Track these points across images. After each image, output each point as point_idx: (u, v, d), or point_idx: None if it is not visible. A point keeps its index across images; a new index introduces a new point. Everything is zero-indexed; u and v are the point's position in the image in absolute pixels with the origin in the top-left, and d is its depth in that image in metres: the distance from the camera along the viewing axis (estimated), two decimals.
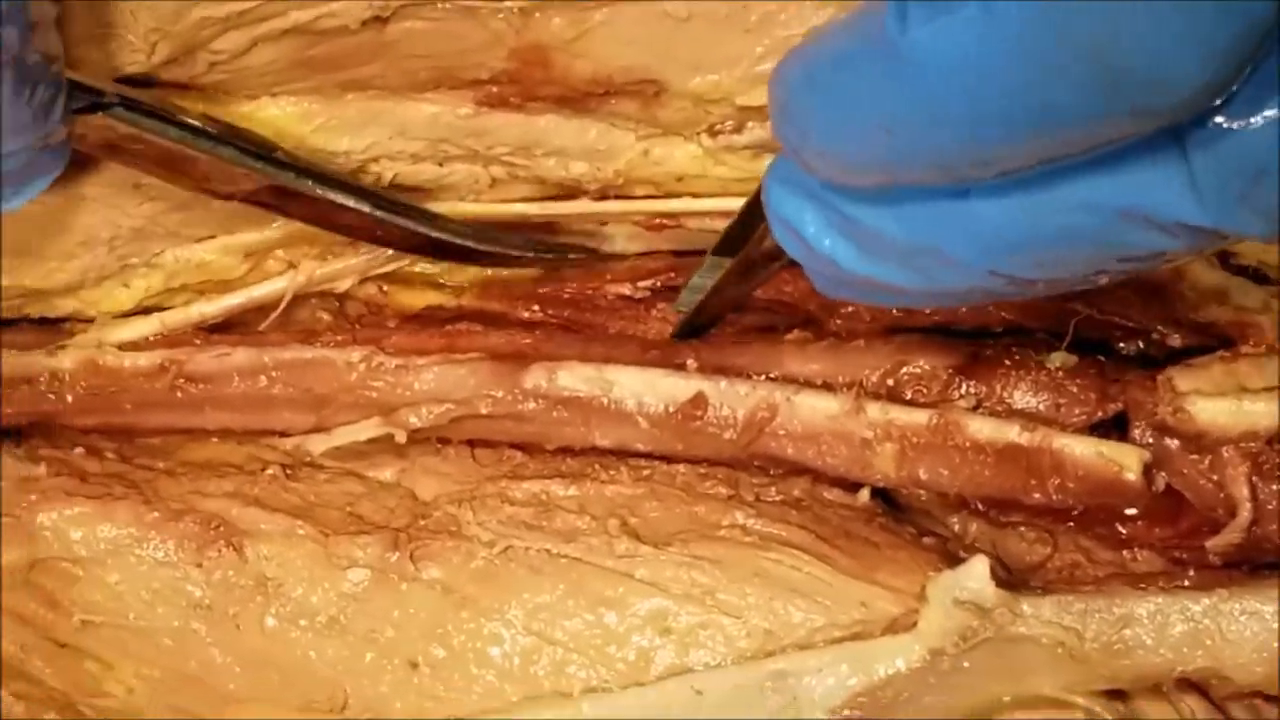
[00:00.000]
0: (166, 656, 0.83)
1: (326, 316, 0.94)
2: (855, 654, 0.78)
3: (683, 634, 0.80)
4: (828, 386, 0.86)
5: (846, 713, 0.78)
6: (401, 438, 0.86)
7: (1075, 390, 0.83)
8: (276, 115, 0.83)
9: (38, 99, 0.68)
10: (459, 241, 0.86)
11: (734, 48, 0.80)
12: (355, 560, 0.82)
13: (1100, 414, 0.83)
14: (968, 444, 0.82)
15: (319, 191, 0.82)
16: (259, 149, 0.81)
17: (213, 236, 0.89)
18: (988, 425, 0.82)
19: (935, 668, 0.78)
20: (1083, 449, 0.81)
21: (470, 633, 0.81)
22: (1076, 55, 0.48)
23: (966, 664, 0.78)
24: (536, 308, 0.92)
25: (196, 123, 0.79)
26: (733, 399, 0.84)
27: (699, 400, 0.84)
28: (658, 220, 0.88)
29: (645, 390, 0.85)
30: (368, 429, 0.87)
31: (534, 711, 0.80)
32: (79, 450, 0.89)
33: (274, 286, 0.91)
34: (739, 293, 0.85)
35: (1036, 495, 0.82)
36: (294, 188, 0.81)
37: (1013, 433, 0.81)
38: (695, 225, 0.88)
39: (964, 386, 0.84)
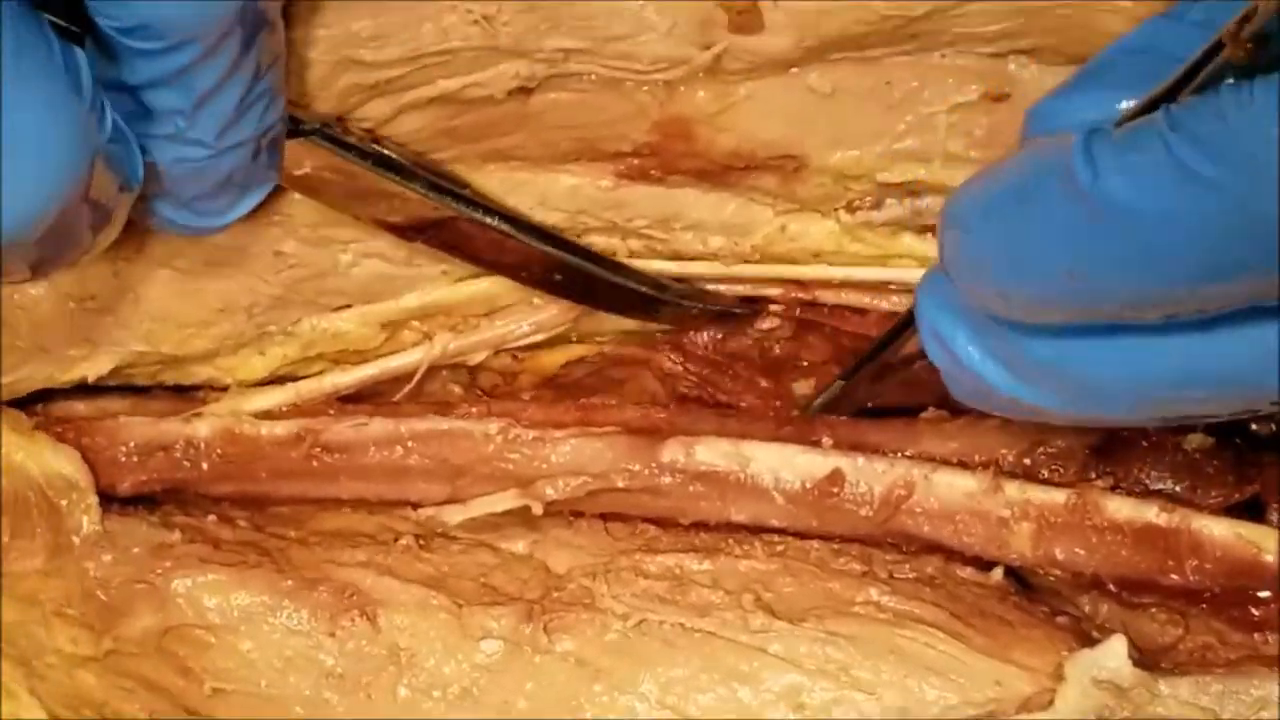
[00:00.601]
0: None
1: (458, 389, 0.94)
2: None
3: (817, 710, 0.80)
4: (964, 465, 0.86)
5: None
6: (538, 509, 0.86)
7: (1212, 472, 0.84)
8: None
9: (264, 89, 0.70)
10: (644, 290, 0.86)
11: (875, 124, 0.81)
12: (489, 631, 0.83)
13: (1237, 496, 0.84)
14: (1105, 524, 0.82)
15: (506, 229, 0.82)
16: (450, 184, 0.81)
17: (350, 306, 0.89)
18: (1126, 505, 0.82)
19: None
20: (1221, 530, 0.81)
21: (604, 706, 0.81)
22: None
23: None
24: (677, 356, 0.92)
25: (391, 153, 0.80)
26: (870, 476, 0.85)
27: (836, 476, 0.84)
28: (794, 299, 0.89)
29: (782, 466, 0.85)
30: (504, 501, 0.86)
31: None
32: (212, 518, 0.89)
33: (409, 358, 0.91)
34: (872, 391, 0.86)
35: (1174, 576, 0.82)
36: (481, 224, 0.82)
37: (1151, 513, 0.82)
38: (830, 299, 0.89)
39: (1100, 467, 0.85)
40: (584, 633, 0.82)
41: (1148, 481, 0.85)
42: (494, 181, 0.84)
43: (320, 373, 0.92)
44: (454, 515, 0.88)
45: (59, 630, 0.86)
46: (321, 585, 0.84)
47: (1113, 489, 0.84)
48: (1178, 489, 0.84)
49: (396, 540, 0.88)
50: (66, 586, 0.86)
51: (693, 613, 0.83)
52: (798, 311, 0.89)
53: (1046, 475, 0.85)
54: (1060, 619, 0.84)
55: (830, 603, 0.83)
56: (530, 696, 0.82)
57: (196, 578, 0.84)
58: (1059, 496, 0.83)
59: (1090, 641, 0.80)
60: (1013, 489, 0.84)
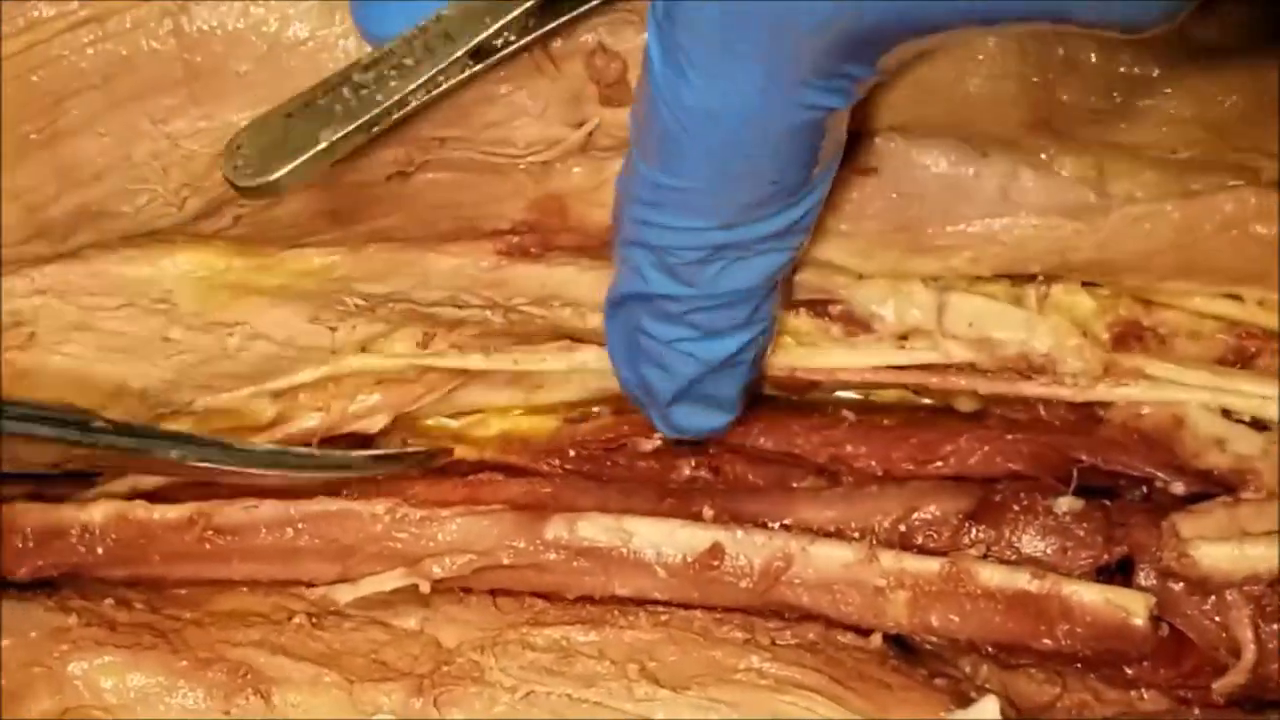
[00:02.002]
0: None
1: None
2: None
3: None
4: (841, 534, 0.88)
5: None
6: (425, 588, 0.87)
7: (1082, 534, 0.86)
8: (301, 267, 0.86)
9: None
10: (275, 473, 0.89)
11: None
12: (380, 707, 0.84)
13: (1106, 557, 0.85)
14: (979, 591, 0.84)
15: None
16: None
17: (242, 386, 0.92)
18: (998, 573, 0.84)
19: None
20: (1091, 596, 0.83)
21: None
22: None
23: None
24: (556, 461, 0.94)
25: None
26: (749, 549, 0.86)
27: (716, 550, 0.86)
28: None
29: (663, 540, 0.87)
30: (393, 579, 0.88)
31: None
32: (109, 601, 0.89)
33: (305, 424, 0.93)
34: None
35: (1046, 641, 0.84)
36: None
37: (1023, 580, 0.84)
38: None
39: (974, 531, 0.87)
40: (473, 705, 0.84)
41: (1019, 545, 0.86)
42: (377, 262, 0.86)
43: None
44: (345, 594, 0.89)
45: None
46: (216, 664, 0.85)
47: (985, 555, 0.86)
48: (1049, 551, 0.86)
49: (290, 619, 0.88)
50: None
51: (579, 683, 0.84)
52: None
53: (921, 541, 0.87)
54: (939, 681, 0.86)
55: (713, 670, 0.85)
56: None
57: (93, 660, 0.84)
58: (933, 565, 0.85)
59: (968, 702, 0.82)
60: (888, 559, 0.85)
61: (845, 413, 0.94)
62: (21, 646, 0.86)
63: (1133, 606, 0.83)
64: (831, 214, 0.84)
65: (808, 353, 0.90)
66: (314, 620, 0.88)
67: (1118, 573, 0.86)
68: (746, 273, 0.76)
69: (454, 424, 0.97)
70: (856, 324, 0.89)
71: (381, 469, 0.91)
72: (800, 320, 0.89)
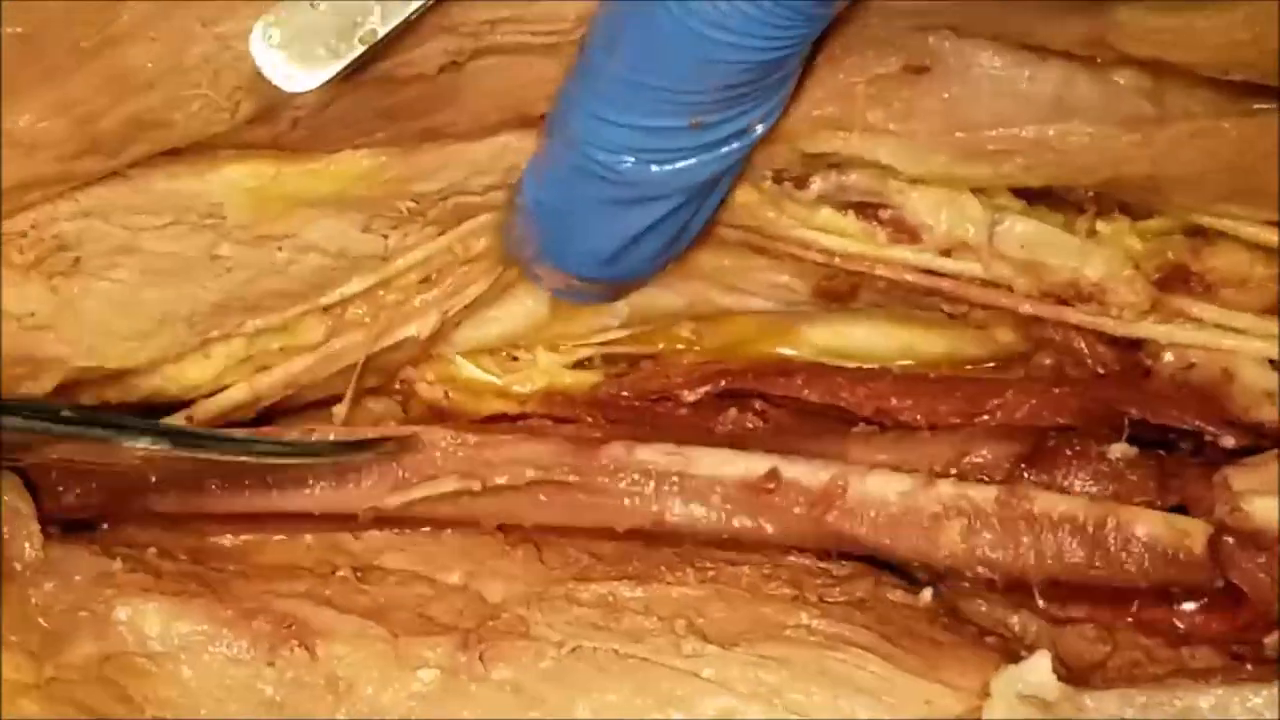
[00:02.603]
0: None
1: (393, 422, 0.96)
2: None
3: None
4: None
5: None
6: (476, 486, 0.87)
7: (1135, 480, 0.86)
8: (352, 170, 0.85)
9: None
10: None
11: (796, 88, 0.82)
12: (425, 660, 0.83)
13: (1159, 503, 0.85)
14: (1035, 518, 0.84)
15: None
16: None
17: (292, 304, 0.91)
18: (1055, 499, 0.84)
19: None
20: (1148, 522, 0.83)
21: None
22: None
23: None
24: (600, 414, 0.95)
25: None
26: (806, 474, 0.86)
27: (772, 474, 0.86)
28: None
29: (720, 464, 0.87)
30: (446, 484, 0.88)
31: None
32: (153, 550, 0.89)
33: (353, 339, 0.92)
34: None
35: (1102, 570, 0.84)
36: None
37: (1080, 505, 0.84)
38: (734, 238, 0.91)
39: (1027, 476, 0.87)
40: (519, 660, 0.83)
41: (1072, 489, 0.86)
42: (427, 159, 0.85)
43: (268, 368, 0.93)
44: (396, 498, 0.89)
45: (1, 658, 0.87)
46: (261, 615, 0.85)
47: (1040, 484, 0.86)
48: (1102, 496, 0.86)
49: (334, 572, 0.89)
50: (8, 613, 0.86)
51: (626, 639, 0.84)
52: None
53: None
54: (988, 639, 0.86)
55: (762, 627, 0.84)
56: None
57: (138, 606, 0.84)
58: (989, 492, 0.85)
59: (1018, 660, 0.81)
60: (945, 486, 0.85)
61: (889, 365, 0.94)
62: (66, 589, 0.86)
63: (1192, 530, 0.83)
64: (883, 111, 0.84)
65: (846, 242, 0.89)
66: (359, 574, 0.89)
67: None
68: (700, 169, 0.80)
69: (496, 378, 0.97)
70: (905, 231, 0.88)
71: (350, 455, 0.89)
72: (848, 221, 0.89)
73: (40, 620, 0.85)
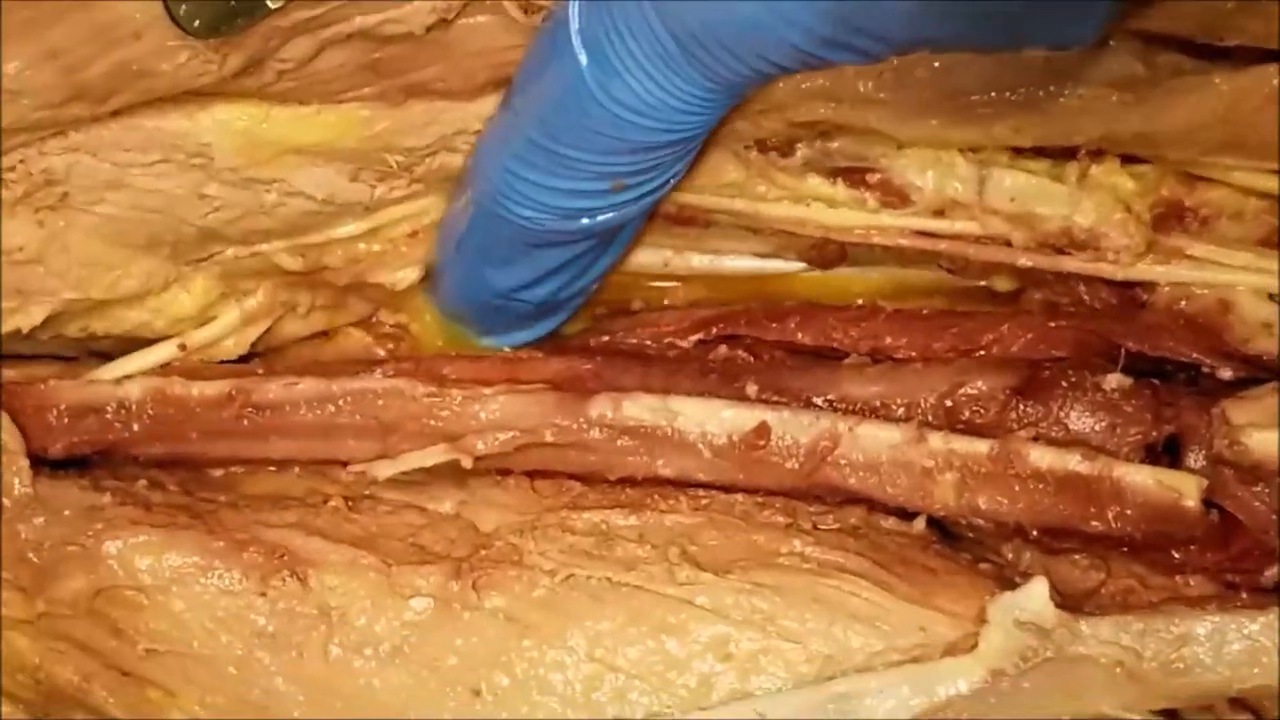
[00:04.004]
0: (230, 685, 0.83)
1: (380, 350, 0.96)
2: (917, 676, 0.79)
3: (743, 660, 0.81)
4: (886, 409, 0.88)
5: None
6: (468, 463, 0.87)
7: (1130, 411, 0.85)
8: (340, 119, 0.84)
9: None
10: None
11: None
12: (418, 590, 0.83)
13: (1155, 434, 0.85)
14: (1028, 472, 0.84)
15: None
16: None
17: (272, 241, 0.90)
18: (1049, 454, 0.84)
19: (995, 688, 0.79)
20: (1142, 477, 0.82)
21: (533, 660, 0.82)
22: None
23: (1026, 684, 0.79)
24: (590, 359, 0.92)
25: None
26: (795, 429, 0.85)
27: (762, 430, 0.85)
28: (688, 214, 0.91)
29: (708, 419, 0.86)
30: (434, 455, 0.87)
31: None
32: (142, 482, 0.89)
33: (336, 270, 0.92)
34: None
35: (1096, 523, 0.83)
36: None
37: (1073, 461, 0.83)
38: (726, 221, 0.91)
39: (1021, 407, 0.86)
40: (512, 589, 0.83)
41: (1067, 421, 0.86)
42: (416, 112, 0.85)
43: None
44: (384, 470, 0.88)
45: None
46: (252, 546, 0.85)
47: (1035, 437, 0.85)
48: (1097, 428, 0.85)
49: (325, 502, 0.88)
50: None
51: (619, 567, 0.83)
52: None
53: (967, 416, 0.87)
54: (983, 566, 0.86)
55: (755, 555, 0.84)
56: (460, 652, 0.82)
57: (128, 539, 0.84)
58: (982, 446, 0.84)
59: (1013, 587, 0.81)
60: (936, 440, 0.85)
61: (882, 303, 0.94)
62: (55, 524, 0.86)
63: (1185, 488, 0.82)
64: (873, 80, 0.83)
65: (840, 214, 0.89)
66: (350, 504, 0.89)
67: (1165, 454, 0.86)
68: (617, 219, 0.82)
69: None
70: (894, 194, 0.88)
71: None
72: (836, 190, 0.89)
73: (30, 556, 0.85)
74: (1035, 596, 0.79)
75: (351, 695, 0.83)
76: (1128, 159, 0.88)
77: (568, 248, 0.85)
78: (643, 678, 0.81)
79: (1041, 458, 0.84)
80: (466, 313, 0.93)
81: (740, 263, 0.96)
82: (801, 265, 0.95)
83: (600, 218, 0.81)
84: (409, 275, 0.92)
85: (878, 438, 0.85)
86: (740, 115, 0.84)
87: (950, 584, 0.83)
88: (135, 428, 0.89)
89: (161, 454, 0.91)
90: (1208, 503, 0.84)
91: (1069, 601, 0.82)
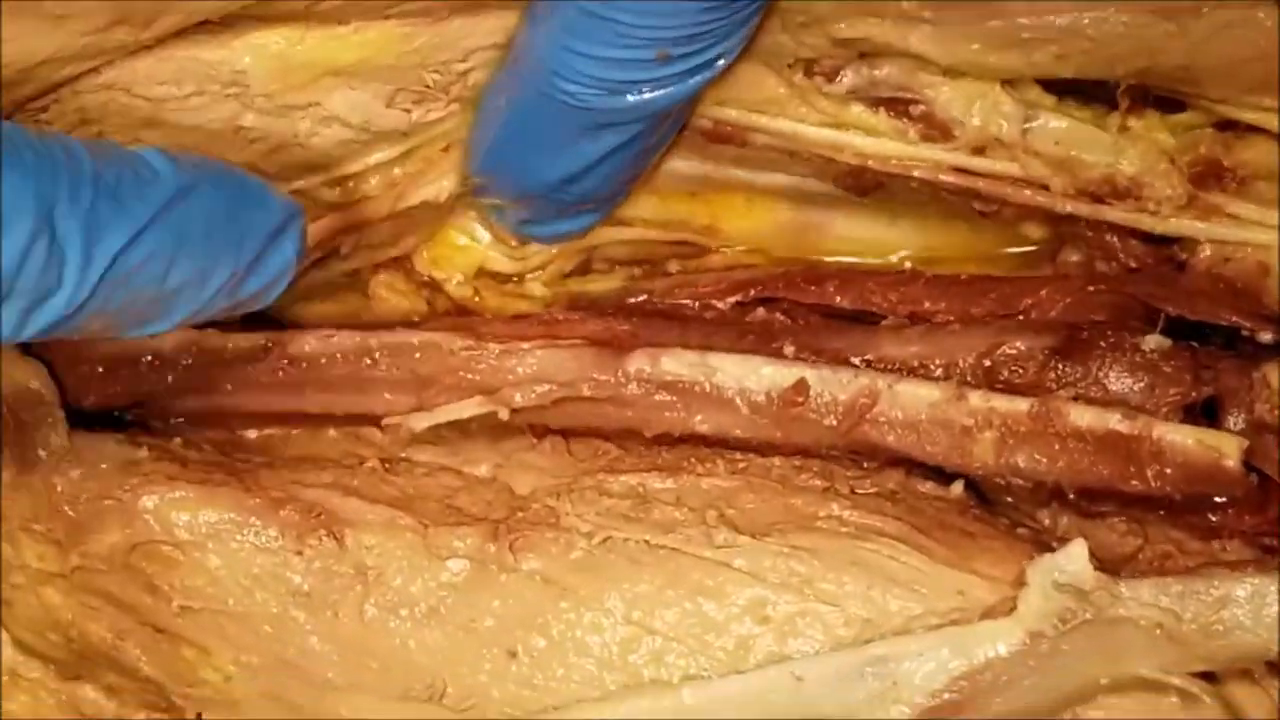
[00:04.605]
0: (265, 643, 0.83)
1: (417, 317, 0.95)
2: (955, 638, 0.79)
3: (781, 623, 0.81)
4: (924, 369, 0.87)
5: (946, 696, 0.79)
6: (505, 415, 0.86)
7: (1170, 371, 0.85)
8: (379, 35, 0.83)
9: None
10: None
11: None
12: (455, 551, 0.83)
13: (1194, 395, 0.85)
14: (1068, 431, 0.83)
15: None
16: None
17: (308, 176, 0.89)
18: (1089, 413, 0.83)
19: (1034, 651, 0.78)
20: (1183, 437, 0.82)
21: (569, 622, 0.82)
22: None
23: (1065, 647, 0.78)
24: (626, 318, 0.92)
25: None
26: (834, 386, 0.85)
27: (800, 386, 0.85)
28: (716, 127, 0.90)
29: (747, 375, 0.86)
30: (471, 407, 0.87)
31: (635, 699, 0.81)
32: (178, 441, 0.89)
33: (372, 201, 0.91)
34: None
35: (1135, 483, 0.83)
36: None
37: (1114, 420, 0.83)
38: (762, 141, 0.90)
39: (1060, 368, 0.86)
40: (549, 551, 0.83)
41: (1106, 382, 0.85)
42: (454, 26, 0.83)
43: None
44: (420, 421, 0.88)
45: (26, 546, 0.86)
46: (289, 504, 0.84)
47: (1074, 397, 0.85)
48: (1136, 389, 0.85)
49: (361, 464, 0.88)
50: (33, 502, 0.86)
51: (657, 530, 0.83)
52: None
53: (1006, 377, 0.86)
54: (1020, 531, 0.85)
55: (792, 518, 0.84)
56: (496, 614, 0.82)
57: (165, 494, 0.84)
58: (1022, 405, 0.84)
59: (1050, 551, 0.80)
60: (976, 398, 0.85)
61: (920, 268, 0.94)
62: (91, 478, 0.86)
63: (1225, 448, 0.82)
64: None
65: (880, 143, 0.88)
66: (386, 466, 0.88)
67: (1203, 417, 0.86)
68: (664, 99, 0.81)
69: (517, 287, 0.96)
70: (936, 127, 0.87)
71: None
72: (879, 119, 0.88)
73: (66, 509, 0.85)
74: (1074, 558, 0.78)
75: (387, 655, 0.82)
76: (1167, 107, 0.87)
77: (614, 132, 0.83)
78: (680, 640, 0.81)
79: (1081, 416, 0.83)
80: (509, 207, 0.92)
81: (777, 178, 0.94)
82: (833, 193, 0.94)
83: (647, 95, 0.80)
84: (447, 186, 0.90)
85: (917, 395, 0.85)
86: (782, 28, 0.83)
87: (988, 548, 0.83)
88: (170, 379, 0.89)
89: (196, 407, 0.91)
90: (1247, 466, 0.83)
91: (1107, 566, 0.81)
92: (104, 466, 0.85)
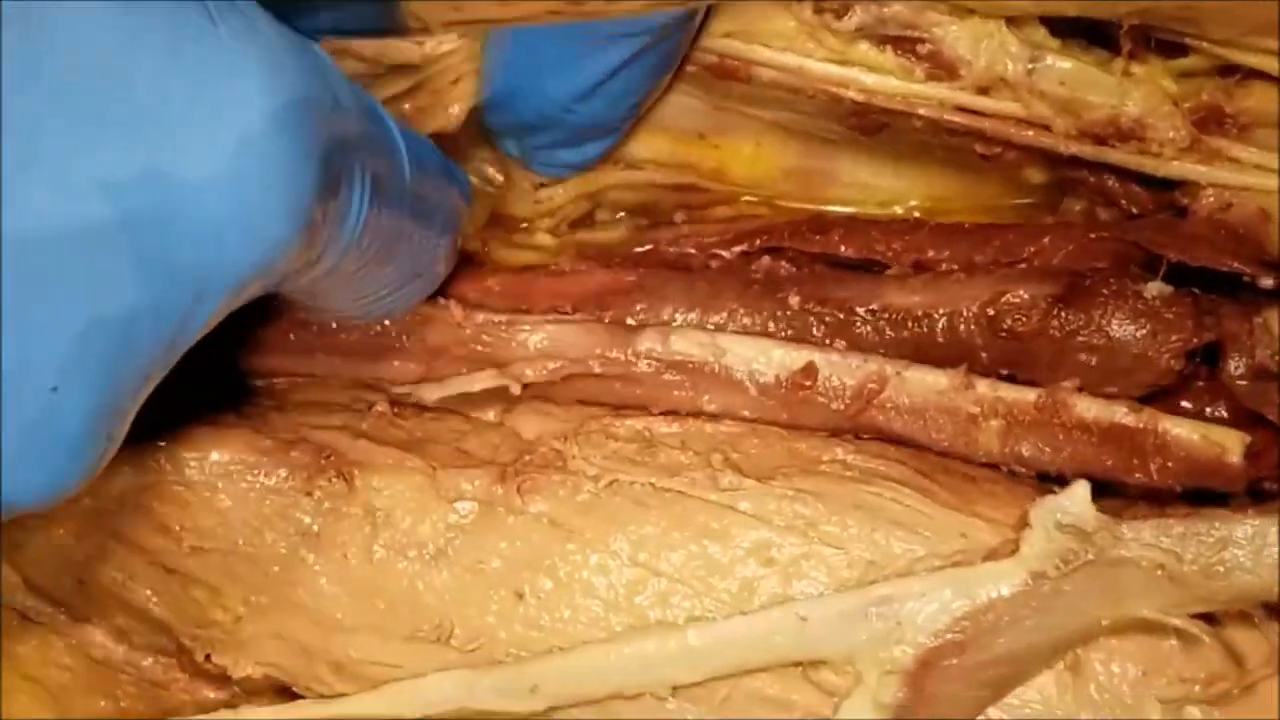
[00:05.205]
0: (274, 584, 0.83)
1: None
2: (959, 579, 0.79)
3: (785, 565, 0.81)
4: (928, 318, 0.88)
5: (949, 636, 0.79)
6: (516, 390, 0.87)
7: (1171, 318, 0.85)
8: None
9: None
10: None
11: None
12: (463, 493, 0.83)
13: (1195, 341, 0.85)
14: (1073, 422, 0.84)
15: None
16: None
17: None
18: (1094, 405, 0.84)
19: (1036, 591, 0.79)
20: (1186, 431, 0.83)
21: (576, 564, 0.82)
22: None
23: (1067, 588, 0.79)
24: (633, 268, 0.93)
25: None
26: (843, 370, 0.86)
27: (809, 370, 0.86)
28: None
29: (756, 357, 0.87)
30: (483, 380, 0.87)
31: (641, 640, 0.81)
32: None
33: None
34: None
35: (1138, 476, 0.84)
36: None
37: (1119, 413, 0.84)
38: (767, 77, 0.91)
39: (1063, 315, 0.86)
40: (556, 494, 0.83)
41: (1108, 329, 0.85)
42: None
43: None
44: (431, 393, 0.88)
45: None
46: (299, 445, 0.85)
47: (1080, 389, 0.85)
48: (1138, 335, 0.85)
49: (370, 408, 0.88)
50: None
51: (662, 473, 0.84)
52: None
53: (1009, 325, 0.86)
54: (1020, 473, 0.86)
55: (797, 462, 0.85)
56: (503, 555, 0.82)
57: (177, 433, 0.84)
58: (1029, 395, 0.85)
59: (1052, 494, 0.82)
60: (983, 386, 0.85)
61: (923, 217, 0.95)
62: None
63: (1228, 443, 0.83)
64: None
65: (886, 81, 0.89)
66: (395, 410, 0.89)
67: (1204, 363, 0.87)
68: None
69: (525, 238, 0.98)
70: (943, 66, 0.88)
71: None
72: (885, 57, 0.89)
73: None
74: (1077, 499, 0.79)
75: (395, 596, 0.83)
76: (1169, 52, 0.88)
77: (623, 44, 0.84)
78: (685, 582, 0.82)
79: (1088, 408, 0.84)
80: (518, 131, 0.92)
81: (782, 115, 0.95)
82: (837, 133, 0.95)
83: None
84: (458, 112, 0.90)
85: (925, 382, 0.86)
86: None
87: (990, 492, 0.84)
88: None
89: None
90: (1249, 414, 0.85)
91: (1108, 508, 0.83)
92: None
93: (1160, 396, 0.87)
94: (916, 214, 0.98)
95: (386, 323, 0.88)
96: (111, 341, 0.55)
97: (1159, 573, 0.79)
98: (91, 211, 0.53)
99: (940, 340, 0.88)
